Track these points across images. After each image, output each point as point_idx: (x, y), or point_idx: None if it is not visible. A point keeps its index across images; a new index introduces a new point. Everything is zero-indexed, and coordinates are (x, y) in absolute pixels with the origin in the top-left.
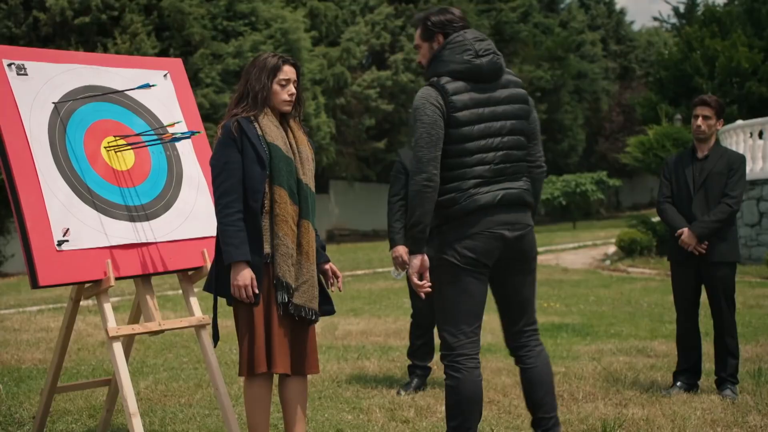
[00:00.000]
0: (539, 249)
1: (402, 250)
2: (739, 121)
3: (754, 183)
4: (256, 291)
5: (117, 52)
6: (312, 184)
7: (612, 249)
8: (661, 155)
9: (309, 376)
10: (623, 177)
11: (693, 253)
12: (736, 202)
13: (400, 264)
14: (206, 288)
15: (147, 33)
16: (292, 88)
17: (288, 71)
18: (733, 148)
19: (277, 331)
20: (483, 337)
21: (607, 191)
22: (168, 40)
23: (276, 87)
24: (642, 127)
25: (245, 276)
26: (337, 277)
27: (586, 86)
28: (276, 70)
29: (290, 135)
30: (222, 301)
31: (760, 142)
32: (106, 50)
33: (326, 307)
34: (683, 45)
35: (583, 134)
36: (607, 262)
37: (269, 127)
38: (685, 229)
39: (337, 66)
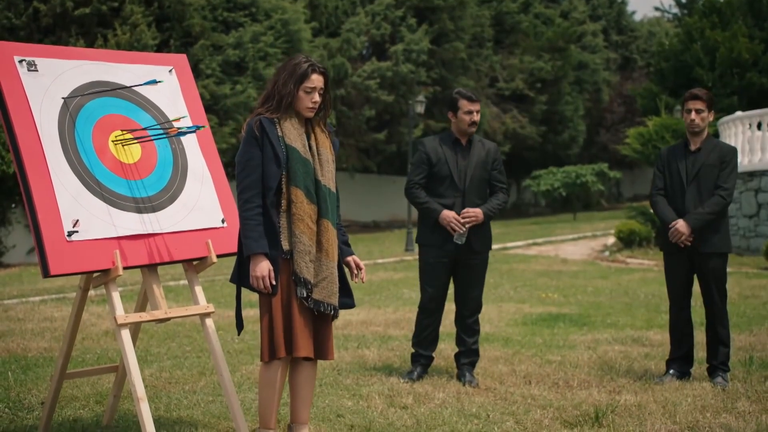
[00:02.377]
0: (539, 240)
1: (450, 213)
2: (739, 113)
3: (753, 174)
4: (273, 282)
5: (117, 44)
6: (332, 185)
7: (611, 240)
8: (660, 147)
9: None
10: (624, 168)
11: (684, 244)
12: (729, 194)
13: (456, 225)
14: (232, 279)
15: (147, 24)
16: (316, 96)
17: (315, 80)
18: (732, 139)
19: (298, 319)
20: (480, 327)
21: (608, 183)
22: (168, 31)
23: (301, 94)
24: (642, 119)
25: (263, 267)
26: (360, 269)
27: (587, 77)
28: (304, 77)
29: (312, 138)
30: (246, 292)
31: (759, 133)
32: (106, 41)
33: (346, 300)
34: (684, 36)
35: (584, 125)
36: (606, 253)
37: (289, 130)
38: (680, 220)
39: (338, 57)
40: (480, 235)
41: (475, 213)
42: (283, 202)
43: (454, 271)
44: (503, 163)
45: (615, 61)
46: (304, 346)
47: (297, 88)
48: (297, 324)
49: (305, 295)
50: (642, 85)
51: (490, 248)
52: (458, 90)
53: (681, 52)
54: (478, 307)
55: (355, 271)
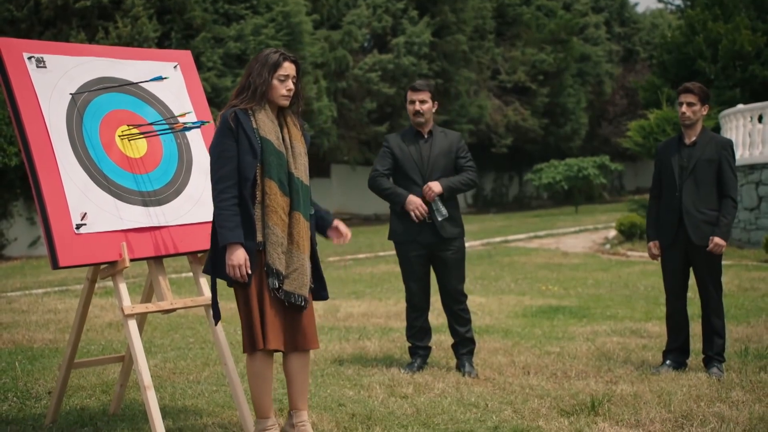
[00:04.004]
0: (540, 233)
1: (416, 198)
2: (740, 106)
3: (753, 167)
4: (249, 272)
5: (118, 36)
6: (305, 178)
7: (613, 233)
8: (661, 140)
9: (312, 354)
10: (626, 161)
11: (680, 236)
12: (736, 195)
13: (420, 212)
14: (205, 270)
15: (148, 16)
16: (290, 84)
17: (288, 67)
18: (733, 132)
19: (269, 312)
20: (481, 319)
21: (610, 175)
22: (169, 23)
23: (275, 82)
24: (644, 112)
25: (239, 256)
26: (343, 234)
27: (590, 69)
28: (276, 66)
29: (285, 130)
30: (222, 283)
31: (760, 126)
32: (107, 34)
33: (321, 293)
34: (686, 28)
35: (586, 118)
36: (608, 246)
37: (264, 122)
38: (715, 239)
39: (339, 49)
40: (448, 221)
41: (431, 184)
42: (258, 194)
43: (432, 263)
44: (510, 157)
45: (617, 53)
46: (273, 340)
47: (271, 77)
48: (268, 316)
49: (277, 285)
50: (645, 78)
51: (462, 236)
52: (412, 83)
53: (683, 45)
54: (462, 296)
55: (341, 237)
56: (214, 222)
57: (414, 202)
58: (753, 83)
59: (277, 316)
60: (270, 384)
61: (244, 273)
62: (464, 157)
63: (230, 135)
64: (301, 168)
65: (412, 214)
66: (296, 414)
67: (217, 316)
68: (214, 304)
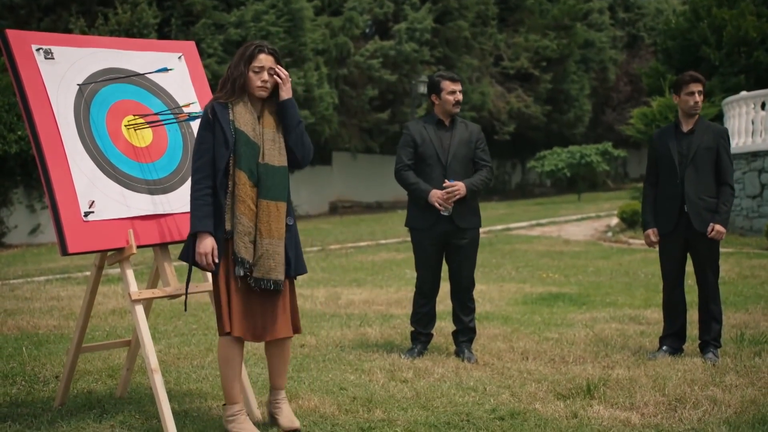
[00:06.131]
0: (543, 221)
1: (437, 192)
2: (743, 93)
3: (756, 154)
4: (216, 260)
5: (118, 23)
6: (276, 161)
7: (615, 221)
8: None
9: (314, 340)
10: (630, 148)
11: (681, 224)
12: (733, 183)
13: (441, 202)
14: (181, 257)
15: (148, 2)
16: (265, 75)
17: (262, 59)
18: (737, 120)
19: (235, 300)
20: (481, 306)
21: (614, 162)
22: (169, 9)
23: (251, 74)
24: (648, 99)
25: (206, 245)
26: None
27: (593, 56)
28: (251, 58)
29: (261, 120)
30: (196, 269)
31: (763, 113)
32: (107, 20)
33: (292, 270)
34: (690, 14)
35: (590, 105)
36: (610, 234)
37: (241, 114)
38: (716, 226)
39: (340, 36)
40: (466, 213)
41: (458, 186)
42: (230, 184)
43: (445, 251)
44: (513, 144)
45: (622, 39)
46: (238, 327)
47: (246, 69)
48: (234, 304)
49: (242, 273)
50: (649, 64)
51: (479, 226)
52: (439, 73)
53: (687, 31)
54: (471, 285)
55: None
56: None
57: (435, 195)
58: (758, 70)
59: (244, 305)
60: (238, 370)
61: (210, 261)
62: (482, 149)
63: (208, 127)
64: (271, 153)
65: (437, 205)
66: (273, 392)
67: (186, 304)
68: (187, 292)
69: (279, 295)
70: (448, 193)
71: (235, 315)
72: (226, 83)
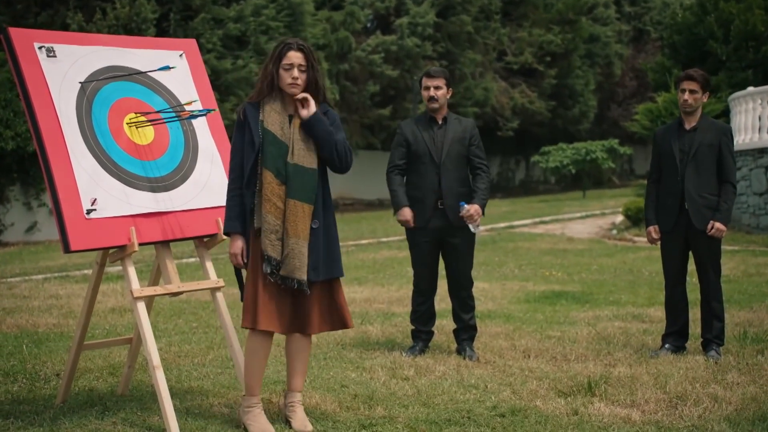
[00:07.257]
0: (546, 218)
1: (408, 213)
2: (750, 88)
3: (763, 151)
4: (245, 260)
5: (116, 17)
6: (305, 162)
7: (620, 218)
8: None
9: (314, 338)
10: (636, 145)
11: (682, 221)
12: (735, 180)
13: (407, 223)
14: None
15: None
16: (295, 72)
17: (292, 56)
18: (743, 116)
19: (262, 294)
20: (483, 304)
21: (619, 159)
22: (168, 4)
23: (281, 72)
24: (653, 94)
25: (235, 246)
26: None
27: (599, 50)
28: (281, 56)
29: (293, 120)
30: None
31: None
32: (105, 15)
33: (330, 271)
34: (697, 8)
35: (595, 100)
36: (614, 232)
37: (270, 114)
38: (716, 224)
39: (341, 31)
40: (459, 212)
41: (476, 210)
42: (258, 183)
43: (442, 249)
44: (516, 140)
45: (627, 33)
46: (264, 321)
47: (277, 67)
48: (261, 299)
49: (269, 271)
50: (656, 59)
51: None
52: (426, 69)
53: (694, 25)
54: (469, 283)
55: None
56: None
57: (404, 215)
58: (765, 65)
59: (271, 300)
60: (262, 364)
61: (240, 261)
62: (477, 145)
63: (239, 129)
64: (300, 153)
65: (403, 225)
66: (290, 394)
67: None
68: (240, 285)
69: (311, 292)
70: (467, 217)
71: (262, 309)
72: (260, 83)
